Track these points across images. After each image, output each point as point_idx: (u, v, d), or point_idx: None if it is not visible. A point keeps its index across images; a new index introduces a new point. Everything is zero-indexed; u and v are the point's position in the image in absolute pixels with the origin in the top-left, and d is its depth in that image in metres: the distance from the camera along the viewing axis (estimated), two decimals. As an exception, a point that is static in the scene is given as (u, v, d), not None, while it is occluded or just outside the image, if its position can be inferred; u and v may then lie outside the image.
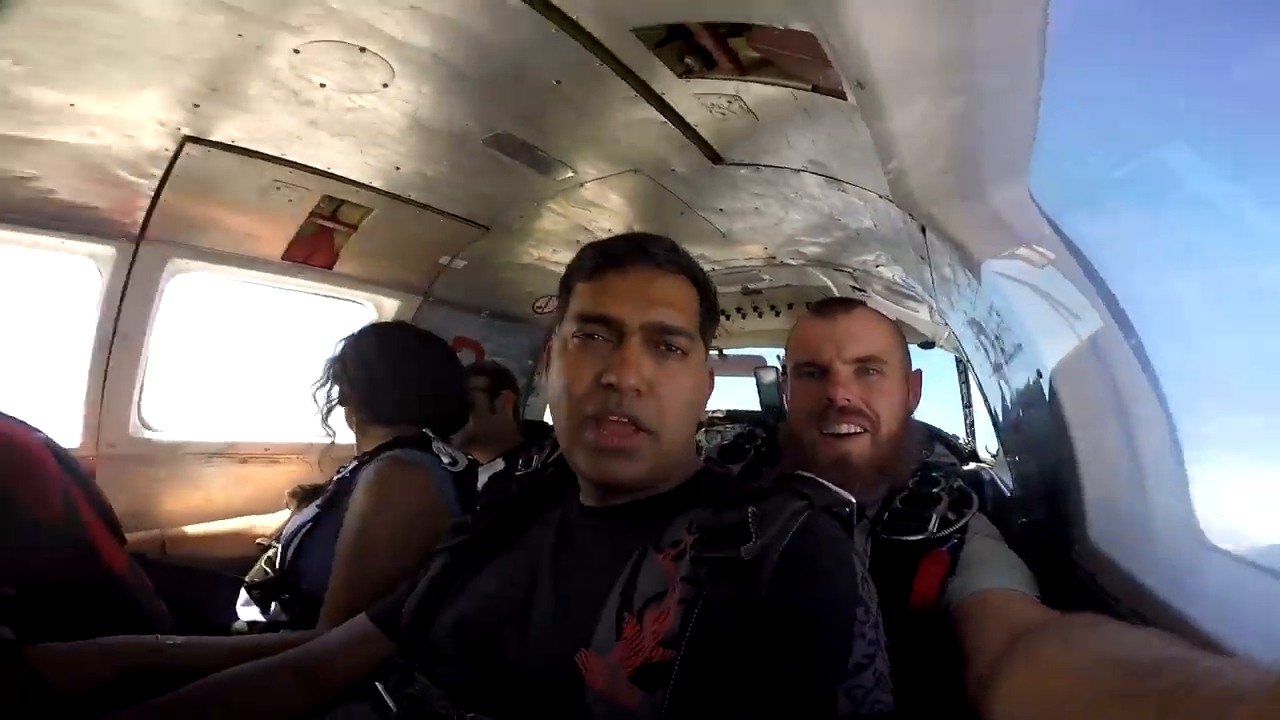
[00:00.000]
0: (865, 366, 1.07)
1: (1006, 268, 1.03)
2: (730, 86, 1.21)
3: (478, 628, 0.75)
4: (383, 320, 2.33)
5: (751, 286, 2.48)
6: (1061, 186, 0.84)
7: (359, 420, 1.47)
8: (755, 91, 1.20)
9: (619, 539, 0.75)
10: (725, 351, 3.01)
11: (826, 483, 0.75)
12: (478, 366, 2.42)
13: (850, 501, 0.74)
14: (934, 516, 0.97)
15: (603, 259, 0.80)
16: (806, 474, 0.77)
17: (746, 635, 0.60)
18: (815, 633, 0.61)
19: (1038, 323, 1.02)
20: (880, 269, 1.93)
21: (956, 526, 0.96)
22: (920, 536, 0.96)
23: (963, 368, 2.78)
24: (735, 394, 2.91)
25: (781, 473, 1.09)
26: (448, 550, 0.90)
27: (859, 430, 1.04)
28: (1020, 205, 0.94)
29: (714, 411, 2.20)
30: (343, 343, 1.51)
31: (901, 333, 1.16)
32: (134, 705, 0.83)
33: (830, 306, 1.14)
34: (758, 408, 2.55)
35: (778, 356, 2.71)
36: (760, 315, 2.68)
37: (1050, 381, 1.01)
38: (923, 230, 1.26)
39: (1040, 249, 0.97)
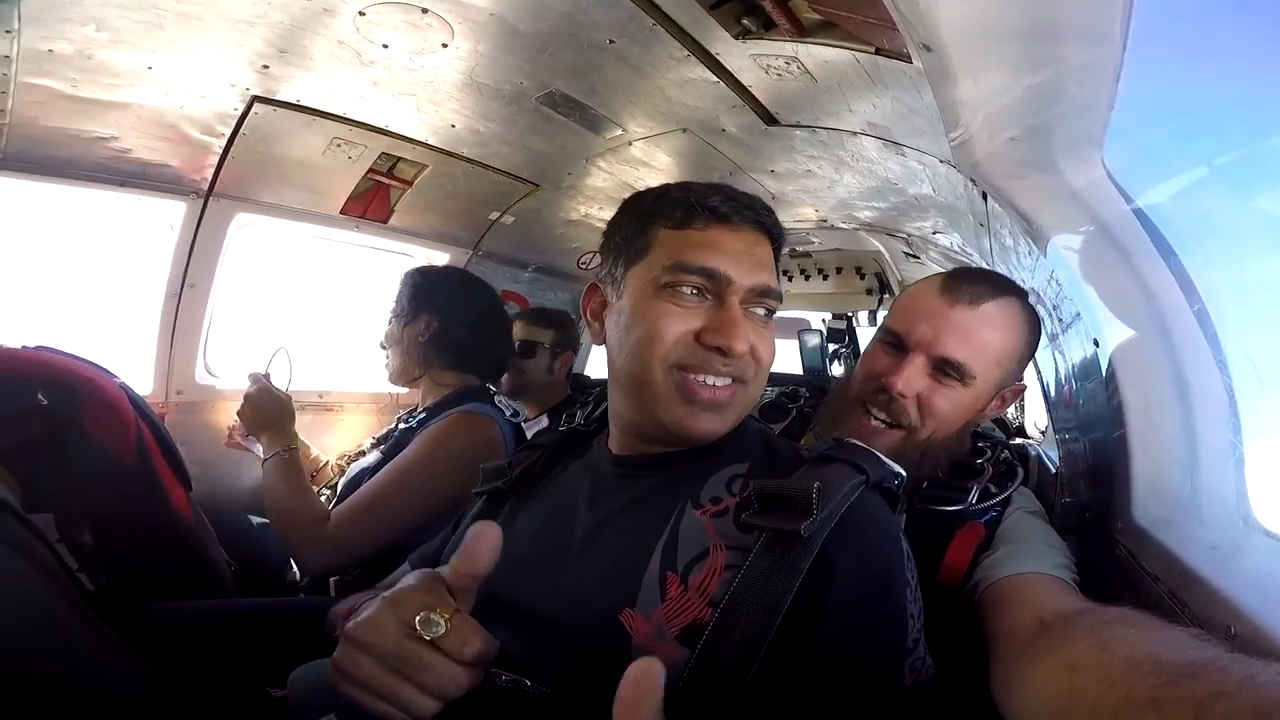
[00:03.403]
0: (946, 370, 0.94)
1: (1074, 240, 1.01)
2: (789, 48, 1.18)
3: (509, 583, 0.72)
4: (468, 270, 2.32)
5: (800, 249, 2.44)
6: (1138, 162, 0.81)
7: (436, 364, 1.54)
8: (815, 53, 1.17)
9: (655, 493, 0.74)
10: (770, 313, 2.98)
11: (879, 454, 0.74)
12: (541, 314, 2.31)
13: (901, 475, 0.74)
14: (974, 488, 0.95)
15: (705, 210, 0.75)
16: (859, 443, 0.76)
17: (784, 611, 0.59)
18: (870, 622, 0.62)
19: (1102, 296, 1.00)
20: (937, 236, 1.88)
21: (997, 499, 0.94)
22: (958, 508, 0.94)
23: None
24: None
25: (826, 423, 1.07)
26: (484, 496, 0.92)
27: (893, 424, 0.97)
28: (1093, 178, 0.91)
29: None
30: (430, 279, 1.58)
31: (1028, 342, 1.01)
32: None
33: (962, 286, 0.97)
34: (800, 370, 2.56)
35: (823, 320, 2.70)
36: (807, 278, 2.65)
37: (1110, 356, 1.00)
38: (984, 197, 1.22)
39: (1111, 223, 0.94)
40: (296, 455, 1.45)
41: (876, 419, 0.97)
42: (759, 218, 0.77)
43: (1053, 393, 1.52)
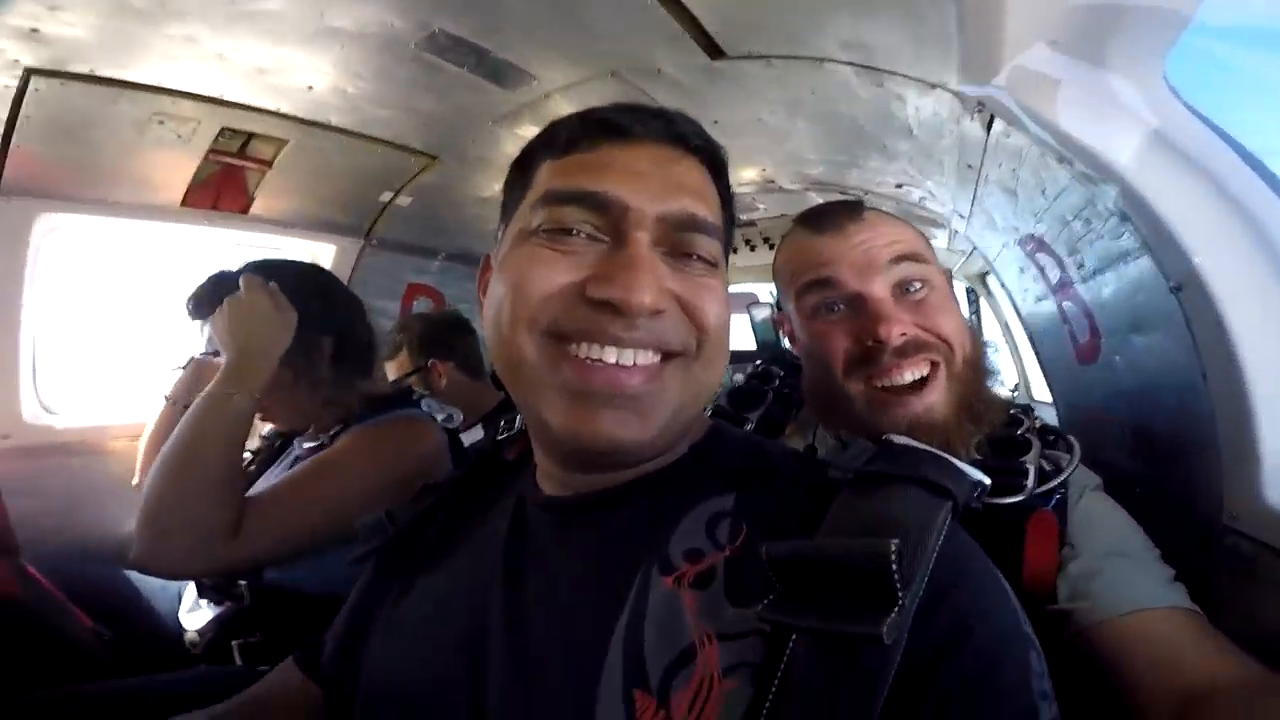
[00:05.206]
0: (907, 283, 0.80)
1: (1125, 163, 0.82)
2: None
3: (408, 701, 0.53)
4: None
5: (744, 218, 2.26)
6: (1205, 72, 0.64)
7: (342, 385, 1.18)
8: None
9: (601, 554, 0.50)
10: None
11: (949, 457, 0.50)
12: (399, 330, 1.94)
13: (985, 484, 0.50)
14: (1029, 470, 0.75)
15: (593, 125, 0.53)
16: (914, 444, 0.53)
17: None
18: None
19: (1169, 226, 0.80)
20: (902, 189, 1.69)
21: (1059, 480, 0.74)
22: (1019, 498, 0.73)
23: (974, 299, 2.61)
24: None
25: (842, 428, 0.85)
26: (371, 557, 0.66)
27: (929, 367, 0.78)
28: (1153, 89, 0.76)
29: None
30: (305, 288, 1.16)
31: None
32: None
33: (831, 216, 0.85)
34: (753, 347, 2.39)
35: (770, 292, 2.52)
36: (753, 249, 2.49)
37: (1179, 298, 0.82)
38: (987, 128, 1.03)
39: (1173, 139, 0.77)
40: (252, 412, 1.03)
41: (896, 385, 0.78)
42: (676, 129, 0.53)
43: (1048, 346, 1.38)
